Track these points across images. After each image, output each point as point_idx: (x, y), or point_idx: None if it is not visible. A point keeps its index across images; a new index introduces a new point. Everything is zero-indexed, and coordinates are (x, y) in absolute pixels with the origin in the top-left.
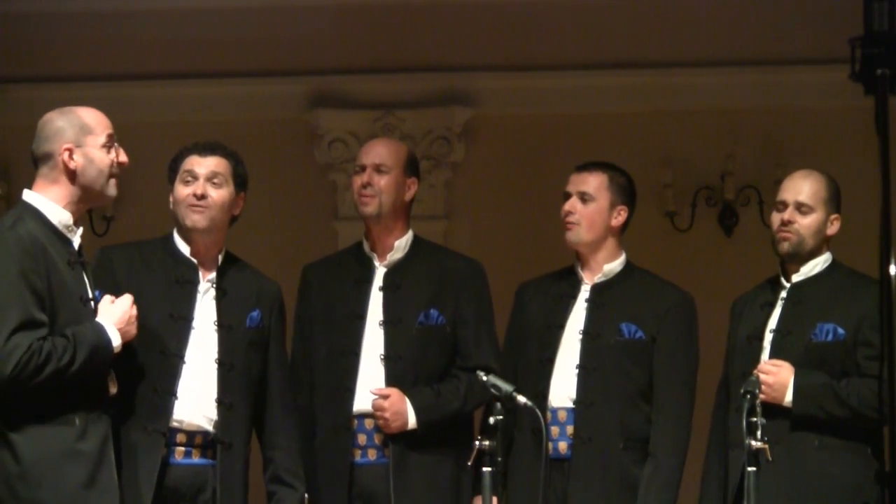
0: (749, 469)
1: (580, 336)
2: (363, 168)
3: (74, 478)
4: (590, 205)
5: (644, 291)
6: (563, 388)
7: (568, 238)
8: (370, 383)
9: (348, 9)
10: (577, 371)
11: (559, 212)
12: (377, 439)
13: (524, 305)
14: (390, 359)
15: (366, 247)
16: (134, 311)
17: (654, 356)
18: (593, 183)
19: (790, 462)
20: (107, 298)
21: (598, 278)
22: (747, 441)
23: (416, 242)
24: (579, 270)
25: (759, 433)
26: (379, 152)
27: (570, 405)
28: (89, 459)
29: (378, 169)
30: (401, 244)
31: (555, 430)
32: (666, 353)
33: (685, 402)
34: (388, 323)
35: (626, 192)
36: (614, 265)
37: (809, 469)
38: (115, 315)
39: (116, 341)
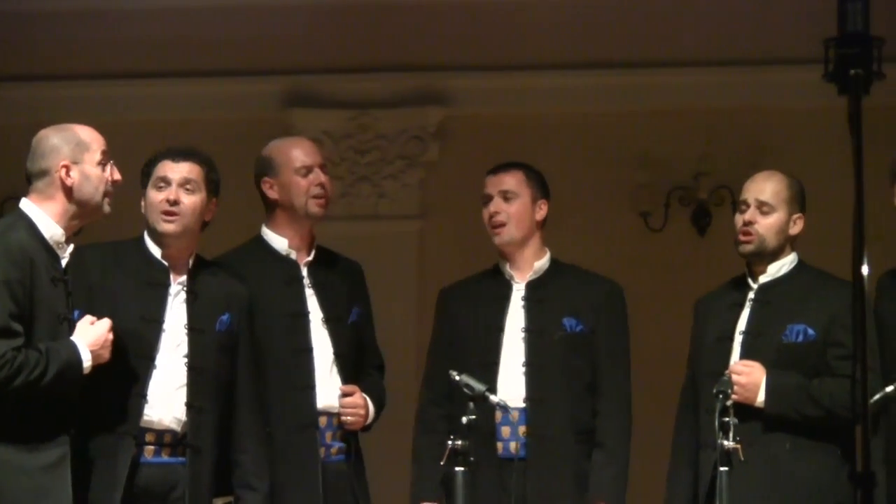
0: (721, 469)
1: (523, 335)
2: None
3: (24, 490)
4: (514, 202)
5: (577, 285)
6: (512, 388)
7: (498, 241)
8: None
9: (323, 8)
10: (524, 369)
11: None
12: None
13: (451, 310)
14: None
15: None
16: (110, 337)
17: (594, 347)
18: (512, 181)
19: (762, 463)
20: (87, 319)
21: (530, 276)
22: (720, 441)
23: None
24: (507, 269)
25: (731, 433)
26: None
27: (522, 404)
28: (42, 473)
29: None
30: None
31: (505, 429)
32: (606, 344)
33: (628, 389)
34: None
35: (543, 186)
36: (543, 262)
37: (782, 470)
38: (90, 337)
39: (88, 362)
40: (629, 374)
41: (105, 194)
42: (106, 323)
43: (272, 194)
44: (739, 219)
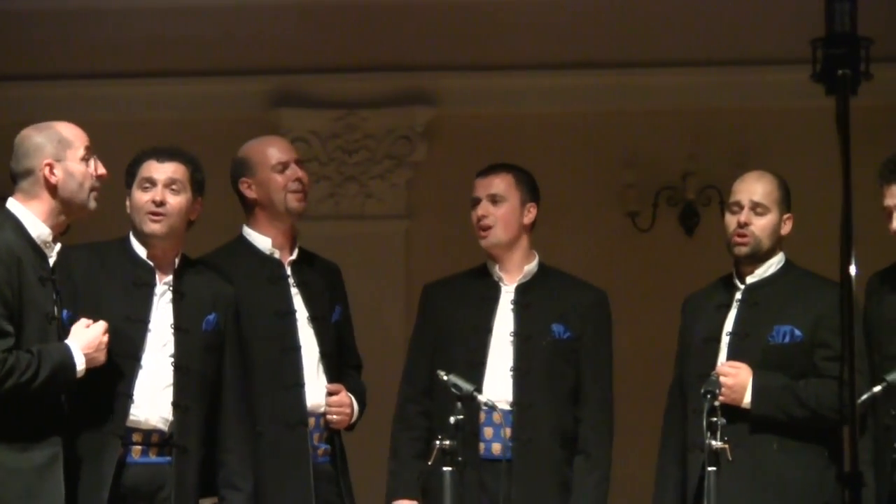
0: (709, 469)
1: (511, 338)
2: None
3: (15, 490)
4: (501, 206)
5: (565, 291)
6: (498, 391)
7: (484, 243)
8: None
9: (311, 8)
10: (511, 373)
11: None
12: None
13: (436, 308)
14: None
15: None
16: (105, 339)
17: (579, 354)
18: (501, 184)
19: (750, 464)
20: (82, 322)
21: (520, 279)
22: (708, 441)
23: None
24: (496, 271)
25: (719, 433)
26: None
27: (507, 407)
28: (34, 474)
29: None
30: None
31: (488, 430)
32: (591, 351)
33: (610, 397)
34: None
35: (533, 189)
36: (533, 266)
37: (769, 471)
38: (84, 339)
39: (81, 366)
40: (611, 382)
41: (91, 190)
42: (101, 326)
43: (250, 194)
44: (732, 220)
